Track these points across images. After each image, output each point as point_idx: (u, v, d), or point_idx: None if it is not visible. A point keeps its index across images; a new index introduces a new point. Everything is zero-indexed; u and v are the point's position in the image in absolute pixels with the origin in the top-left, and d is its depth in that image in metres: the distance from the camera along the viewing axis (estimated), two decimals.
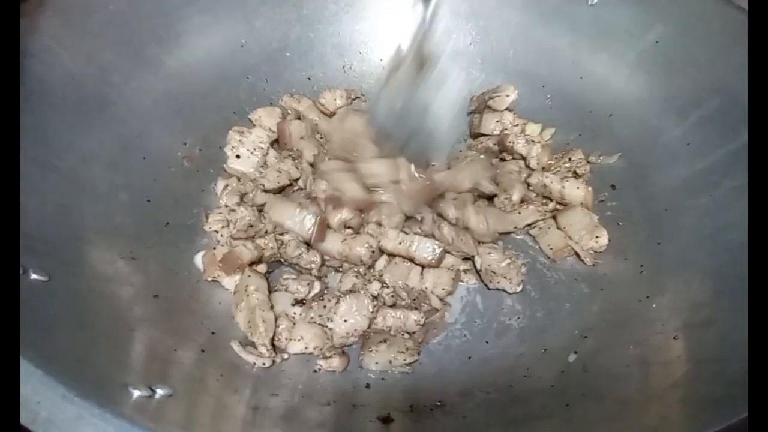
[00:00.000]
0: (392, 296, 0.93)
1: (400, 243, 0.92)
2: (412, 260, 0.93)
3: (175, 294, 0.88)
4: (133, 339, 0.76)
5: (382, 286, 0.93)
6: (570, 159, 1.05)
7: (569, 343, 0.88)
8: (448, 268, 0.95)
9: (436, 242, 0.92)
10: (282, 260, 0.96)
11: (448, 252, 0.95)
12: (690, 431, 0.66)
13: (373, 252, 0.92)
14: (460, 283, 0.96)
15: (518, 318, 0.94)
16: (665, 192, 0.96)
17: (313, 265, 0.92)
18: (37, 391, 0.57)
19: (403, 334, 0.90)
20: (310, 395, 0.82)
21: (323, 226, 0.92)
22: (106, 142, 0.91)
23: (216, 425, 0.71)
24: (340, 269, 0.96)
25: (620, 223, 0.99)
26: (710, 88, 0.95)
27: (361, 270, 0.94)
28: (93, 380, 0.62)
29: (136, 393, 0.65)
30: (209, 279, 0.92)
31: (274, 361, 0.85)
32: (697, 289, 0.83)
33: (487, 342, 0.92)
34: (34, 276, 0.69)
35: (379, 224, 0.96)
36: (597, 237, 0.96)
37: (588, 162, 1.06)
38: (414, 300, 0.92)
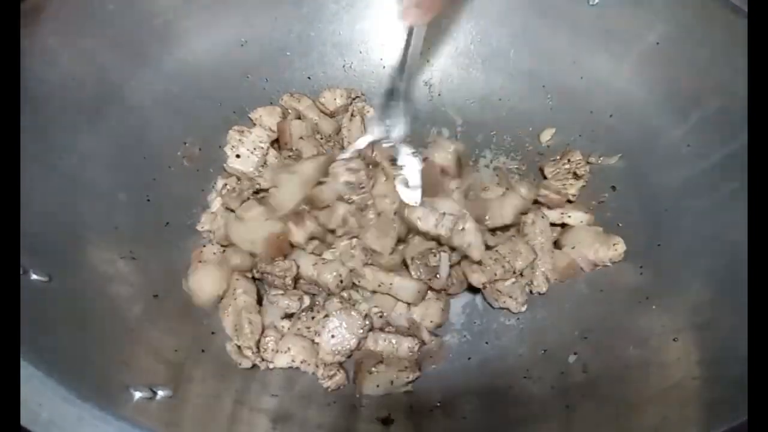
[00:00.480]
0: (381, 317, 0.90)
1: (379, 285, 0.89)
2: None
3: (175, 294, 0.88)
4: (134, 339, 0.76)
5: (372, 307, 0.91)
6: (569, 160, 1.04)
7: (569, 344, 0.88)
8: (437, 299, 0.92)
9: (417, 284, 0.88)
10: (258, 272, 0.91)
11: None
12: None
13: (341, 281, 0.89)
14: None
15: (518, 318, 0.94)
16: (665, 193, 0.96)
17: (288, 274, 0.88)
18: (38, 393, 0.57)
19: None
20: (311, 396, 0.82)
21: (275, 243, 0.89)
22: (106, 142, 0.91)
23: (216, 426, 0.71)
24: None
25: (620, 224, 0.99)
26: (710, 89, 0.95)
27: (345, 295, 0.91)
28: (94, 381, 0.62)
29: (138, 394, 0.65)
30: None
31: (255, 365, 0.84)
32: (697, 290, 0.83)
33: (486, 343, 0.92)
34: (34, 276, 0.69)
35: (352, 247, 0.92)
36: (615, 245, 0.94)
37: (588, 163, 1.06)
38: (407, 329, 0.90)
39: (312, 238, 0.91)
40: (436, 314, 0.90)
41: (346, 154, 0.97)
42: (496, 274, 0.89)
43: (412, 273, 0.89)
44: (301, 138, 1.05)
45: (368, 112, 1.12)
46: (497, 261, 0.90)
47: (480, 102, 1.18)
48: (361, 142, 0.99)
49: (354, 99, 1.15)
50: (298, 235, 0.90)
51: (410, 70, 0.92)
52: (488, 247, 0.92)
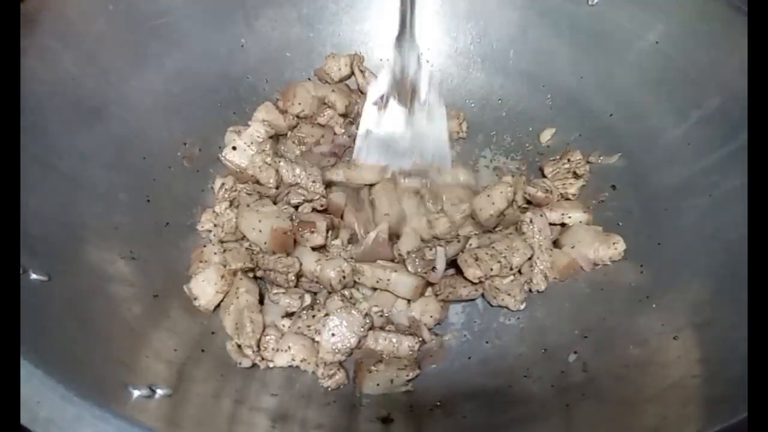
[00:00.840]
0: (381, 316, 0.90)
1: (377, 281, 0.89)
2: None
3: (175, 294, 0.88)
4: (133, 339, 0.76)
5: (372, 306, 0.91)
6: (569, 160, 1.04)
7: (569, 343, 0.88)
8: (437, 294, 0.92)
9: (415, 279, 0.88)
10: (259, 267, 0.91)
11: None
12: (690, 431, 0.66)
13: (344, 277, 0.88)
14: None
15: (518, 318, 0.93)
16: (665, 192, 0.95)
17: (290, 270, 0.88)
18: (37, 391, 0.57)
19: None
20: (310, 395, 0.82)
21: (280, 239, 0.89)
22: (106, 142, 0.91)
23: (216, 425, 0.71)
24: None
25: (620, 223, 0.99)
26: (710, 88, 0.95)
27: (346, 293, 0.91)
28: (93, 380, 0.62)
29: (136, 393, 0.65)
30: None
31: (255, 364, 0.84)
32: (697, 289, 0.83)
33: (486, 342, 0.92)
34: (34, 276, 0.69)
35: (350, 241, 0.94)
36: (614, 243, 0.93)
37: (588, 162, 1.05)
38: (408, 328, 0.90)
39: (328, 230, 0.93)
40: (435, 309, 0.90)
41: (372, 97, 0.99)
42: (492, 270, 0.89)
43: (409, 267, 0.89)
44: (300, 104, 1.06)
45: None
46: (493, 257, 0.89)
47: (480, 102, 1.18)
48: (382, 78, 0.98)
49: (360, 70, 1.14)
50: (318, 238, 0.90)
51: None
52: (485, 244, 0.93)
